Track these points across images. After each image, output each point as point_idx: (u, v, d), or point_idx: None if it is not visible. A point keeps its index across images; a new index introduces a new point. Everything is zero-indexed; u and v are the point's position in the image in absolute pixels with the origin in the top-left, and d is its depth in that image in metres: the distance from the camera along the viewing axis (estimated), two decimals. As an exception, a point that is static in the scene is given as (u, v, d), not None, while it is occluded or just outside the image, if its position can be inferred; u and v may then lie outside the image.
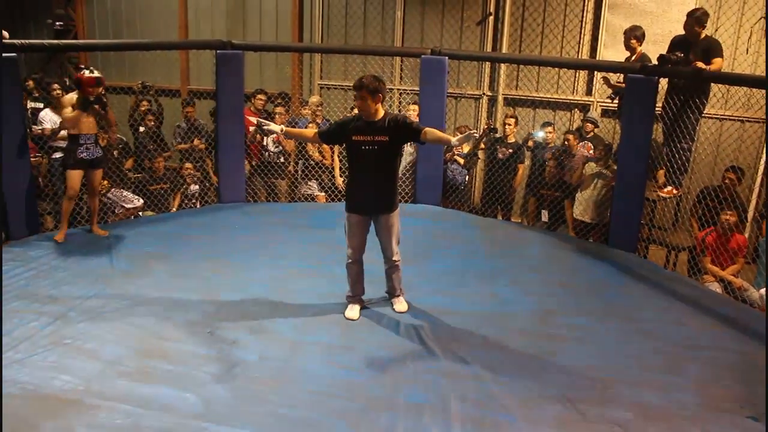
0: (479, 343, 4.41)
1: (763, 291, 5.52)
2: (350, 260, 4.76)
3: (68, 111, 5.72)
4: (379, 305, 4.92)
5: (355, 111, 6.27)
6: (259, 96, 7.84)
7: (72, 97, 5.74)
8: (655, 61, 5.98)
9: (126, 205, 6.96)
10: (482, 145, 7.62)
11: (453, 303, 5.00)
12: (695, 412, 3.73)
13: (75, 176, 5.81)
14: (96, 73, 5.72)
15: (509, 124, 7.43)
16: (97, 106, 5.78)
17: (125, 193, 7.03)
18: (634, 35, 6.41)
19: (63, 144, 6.80)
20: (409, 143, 6.09)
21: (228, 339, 4.30)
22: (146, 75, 9.41)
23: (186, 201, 7.51)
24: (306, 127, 7.42)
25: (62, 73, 9.65)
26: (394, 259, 4.79)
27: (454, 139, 4.45)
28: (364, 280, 4.85)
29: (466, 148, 7.45)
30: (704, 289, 5.63)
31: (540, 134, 7.63)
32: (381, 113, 4.43)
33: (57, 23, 9.91)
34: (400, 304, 4.92)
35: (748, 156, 7.35)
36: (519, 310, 4.94)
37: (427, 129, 4.42)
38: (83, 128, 5.75)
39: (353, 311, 4.76)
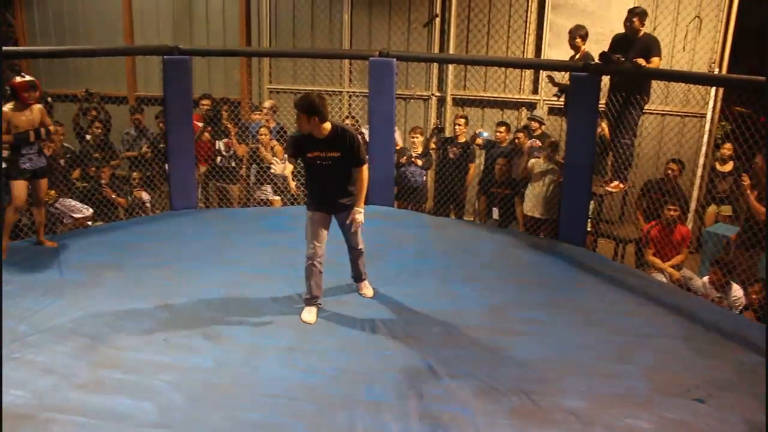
0: (435, 340, 4.47)
1: (705, 279, 5.72)
2: (310, 261, 4.74)
3: (4, 126, 5.47)
4: (334, 306, 4.94)
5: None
6: (204, 101, 7.76)
7: (7, 110, 5.51)
8: (597, 60, 6.15)
9: (75, 215, 6.82)
10: (432, 145, 7.71)
11: (408, 301, 5.06)
12: (646, 398, 3.85)
13: (20, 187, 5.62)
14: (28, 77, 5.57)
15: (459, 124, 7.53)
16: (34, 110, 5.61)
17: (74, 202, 6.89)
18: (579, 34, 6.57)
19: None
20: None
21: (182, 345, 4.27)
22: (92, 82, 9.24)
23: (137, 209, 7.40)
24: (257, 132, 7.41)
25: (2, 80, 9.40)
26: (359, 247, 4.99)
27: (357, 213, 4.66)
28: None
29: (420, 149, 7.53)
30: (651, 280, 5.81)
31: (485, 133, 7.76)
32: (328, 129, 4.45)
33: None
34: (367, 289, 5.15)
35: (688, 149, 7.60)
36: (473, 306, 5.02)
37: (363, 169, 4.61)
38: (22, 134, 5.56)
39: (310, 314, 4.75)
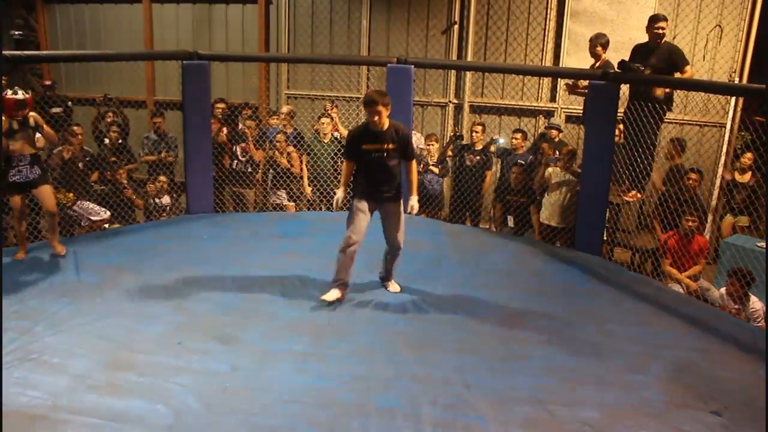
0: (449, 347, 4.46)
1: (723, 290, 5.66)
2: (345, 246, 4.95)
3: None
4: (349, 312, 4.94)
5: (323, 120, 6.45)
6: (218, 104, 7.79)
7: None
8: (617, 68, 6.12)
9: (92, 218, 6.89)
10: (449, 153, 7.70)
11: (422, 308, 5.05)
12: (661, 410, 3.82)
13: (14, 200, 5.56)
14: (20, 95, 5.29)
15: (476, 132, 7.52)
16: (28, 128, 5.44)
17: (91, 205, 6.95)
18: (599, 42, 6.54)
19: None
20: None
21: (197, 349, 4.28)
22: (112, 86, 9.35)
23: (155, 213, 7.45)
24: (275, 137, 7.44)
25: (25, 84, 9.51)
26: (399, 246, 5.17)
27: (413, 200, 5.09)
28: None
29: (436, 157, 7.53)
30: (667, 290, 5.76)
31: (501, 141, 7.74)
32: (387, 123, 4.82)
33: (16, 33, 9.79)
34: (394, 286, 5.37)
35: (707, 159, 7.54)
36: (487, 314, 5.00)
37: (413, 164, 5.07)
38: (13, 149, 5.39)
39: (331, 294, 4.97)
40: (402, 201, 5.08)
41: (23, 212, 5.71)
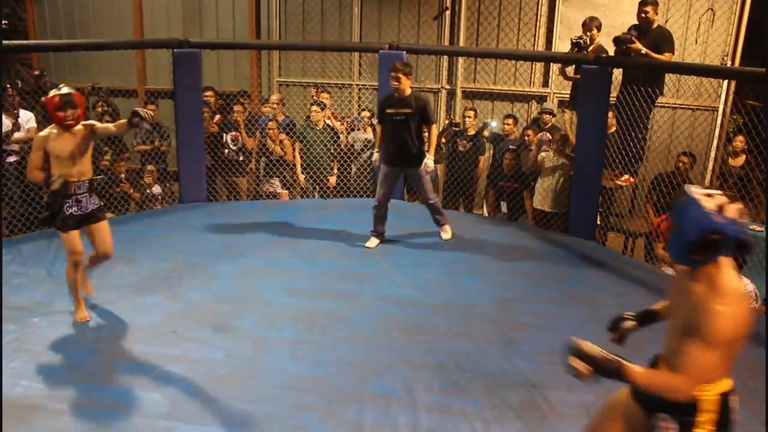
0: (443, 332, 4.48)
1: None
2: (377, 203, 5.91)
3: (36, 157, 4.25)
4: (342, 300, 4.95)
5: (314, 107, 6.55)
6: (207, 93, 7.72)
7: (44, 135, 4.24)
8: (611, 53, 6.11)
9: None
10: (443, 139, 7.68)
11: (416, 294, 5.07)
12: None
13: (71, 237, 4.34)
14: (64, 89, 4.21)
15: (468, 117, 7.51)
16: (81, 130, 4.31)
17: (84, 195, 6.89)
18: (594, 25, 6.53)
19: (17, 147, 6.67)
20: (366, 134, 7.54)
21: (192, 337, 4.29)
22: (102, 76, 9.28)
23: (147, 202, 7.43)
24: (266, 125, 7.42)
25: (15, 74, 9.43)
26: (430, 201, 5.99)
27: (428, 159, 5.79)
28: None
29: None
30: (660, 274, 5.78)
31: (494, 123, 7.74)
32: (409, 91, 5.66)
33: (3, 22, 9.68)
34: (445, 233, 6.17)
35: (699, 143, 7.55)
36: (481, 299, 5.02)
37: (433, 128, 5.85)
38: (69, 174, 4.25)
39: (372, 242, 5.98)
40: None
41: (80, 254, 4.43)
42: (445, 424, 3.51)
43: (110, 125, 4.59)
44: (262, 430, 3.43)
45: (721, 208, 2.07)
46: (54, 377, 3.83)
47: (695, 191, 2.14)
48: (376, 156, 5.93)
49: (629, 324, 2.70)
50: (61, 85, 4.30)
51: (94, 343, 4.23)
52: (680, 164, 6.31)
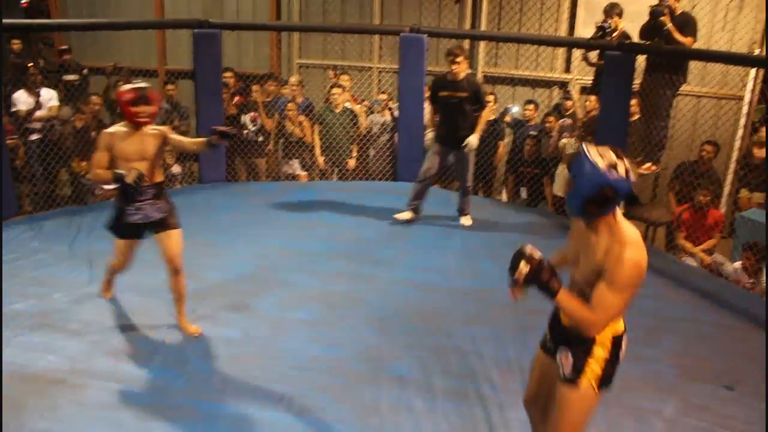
0: (461, 317, 4.48)
1: (737, 264, 5.62)
2: (421, 178, 6.03)
3: (101, 157, 3.84)
4: (360, 282, 4.95)
5: (335, 90, 6.52)
6: (226, 74, 7.71)
7: (110, 132, 3.85)
8: (635, 39, 6.04)
9: (105, 186, 6.88)
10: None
11: (434, 279, 5.06)
12: (672, 383, 3.83)
13: (123, 247, 4.09)
14: (139, 83, 3.86)
15: (488, 102, 7.44)
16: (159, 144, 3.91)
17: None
18: (615, 12, 6.45)
19: (39, 125, 6.71)
20: (384, 117, 7.58)
21: (210, 316, 4.32)
22: (122, 55, 9.30)
23: (167, 182, 7.44)
24: (285, 107, 7.40)
25: (37, 53, 9.50)
26: (467, 185, 6.07)
27: (472, 137, 5.83)
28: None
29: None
30: (681, 264, 5.73)
31: (515, 109, 7.68)
32: (463, 75, 5.75)
33: (24, 1, 9.70)
34: (466, 220, 6.19)
35: (724, 132, 7.43)
36: (499, 284, 4.94)
37: (483, 111, 5.92)
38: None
39: (404, 215, 6.13)
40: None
41: (126, 264, 4.24)
42: (462, 408, 3.52)
43: (185, 139, 4.16)
44: (277, 409, 3.45)
45: (612, 166, 2.27)
46: (75, 352, 3.88)
47: (589, 150, 2.33)
48: (430, 136, 6.17)
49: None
50: (135, 80, 3.96)
51: (115, 319, 4.28)
52: (704, 153, 6.23)
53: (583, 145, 2.39)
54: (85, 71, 8.39)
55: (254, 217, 6.20)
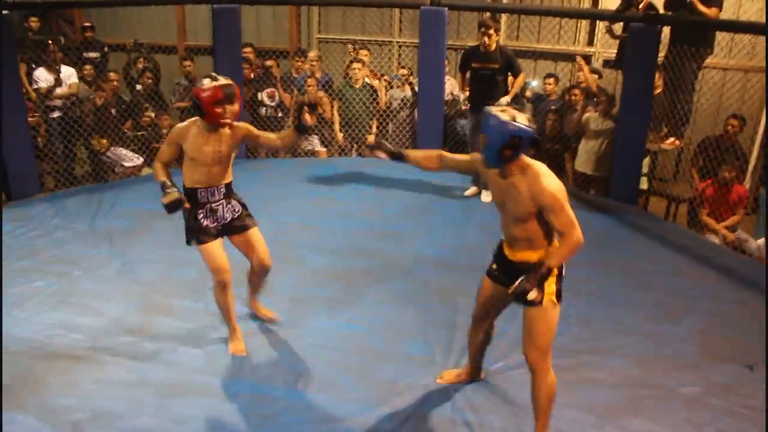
0: (480, 295, 4.45)
1: (761, 241, 5.53)
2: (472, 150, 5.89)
3: (168, 151, 3.60)
4: (377, 260, 4.94)
5: (355, 65, 6.45)
6: (246, 49, 7.66)
7: (183, 127, 3.53)
8: (661, 10, 5.89)
9: (126, 164, 6.94)
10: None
11: (453, 256, 5.04)
12: (694, 362, 3.80)
13: (211, 251, 3.62)
14: (223, 79, 3.41)
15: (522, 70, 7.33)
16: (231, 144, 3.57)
17: (125, 151, 6.99)
18: None
19: (59, 103, 6.73)
20: (404, 92, 7.49)
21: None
22: (142, 31, 9.28)
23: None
24: (305, 82, 7.36)
25: (57, 31, 9.50)
26: None
27: (504, 98, 5.82)
28: None
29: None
30: (703, 241, 5.65)
31: (534, 83, 7.57)
32: (494, 46, 5.83)
33: None
34: (486, 197, 6.12)
35: (751, 106, 7.26)
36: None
37: (518, 78, 5.96)
38: (202, 179, 3.58)
39: (470, 190, 6.31)
40: None
41: (227, 272, 3.68)
42: (482, 385, 3.52)
43: (273, 136, 3.77)
44: (296, 387, 3.48)
45: (514, 118, 2.71)
46: (96, 329, 3.93)
47: (493, 110, 2.78)
48: (463, 98, 6.37)
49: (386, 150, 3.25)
50: (213, 74, 3.46)
51: (135, 297, 4.31)
52: (729, 127, 6.10)
53: (487, 108, 2.83)
54: (105, 49, 8.39)
55: (273, 194, 6.19)
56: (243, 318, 4.05)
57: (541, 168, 2.80)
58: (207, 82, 3.36)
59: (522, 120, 2.73)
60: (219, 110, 3.36)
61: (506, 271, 3.02)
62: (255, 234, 3.78)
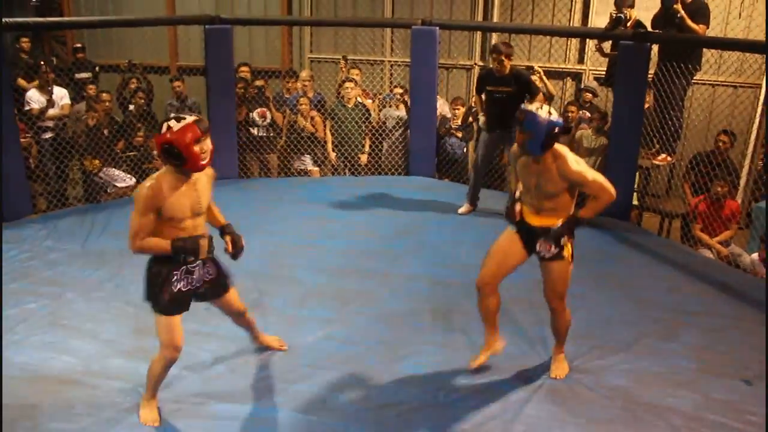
0: (475, 313, 4.40)
1: (755, 255, 5.55)
2: (474, 166, 6.28)
3: (146, 222, 3.01)
4: (374, 279, 4.93)
5: (347, 84, 6.45)
6: (243, 68, 7.69)
7: (153, 188, 2.97)
8: (649, 28, 5.95)
9: (118, 184, 6.92)
10: (471, 118, 7.55)
11: (447, 274, 5.02)
12: (691, 377, 3.77)
13: (173, 325, 3.16)
14: (191, 117, 3.00)
15: (539, 89, 7.36)
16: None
17: (117, 172, 6.97)
18: (626, 4, 6.36)
19: (51, 124, 6.72)
20: (399, 111, 7.47)
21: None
22: (134, 52, 9.30)
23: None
24: (297, 102, 7.36)
25: (50, 52, 9.52)
26: None
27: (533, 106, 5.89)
28: None
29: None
30: (697, 256, 5.66)
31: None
32: (508, 69, 5.83)
33: (33, 0, 9.67)
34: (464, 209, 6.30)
35: (741, 122, 7.33)
36: (513, 279, 4.89)
37: (537, 97, 5.83)
38: (184, 228, 3.09)
39: (464, 207, 6.29)
40: None
41: (178, 348, 3.22)
42: (478, 404, 3.49)
43: (214, 208, 3.54)
44: (291, 408, 3.44)
45: (549, 113, 3.27)
46: (89, 352, 3.88)
47: (529, 108, 3.30)
48: (482, 119, 6.25)
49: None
50: (174, 116, 3.00)
51: (128, 318, 4.27)
52: (720, 143, 6.14)
53: (525, 107, 3.33)
54: (96, 69, 8.40)
55: (266, 214, 6.18)
56: (240, 340, 4.01)
57: (566, 152, 3.35)
58: (175, 123, 2.92)
59: (555, 115, 3.29)
60: (198, 150, 2.95)
61: (527, 235, 3.53)
62: (235, 294, 3.51)
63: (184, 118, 2.96)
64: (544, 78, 7.08)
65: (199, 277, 3.22)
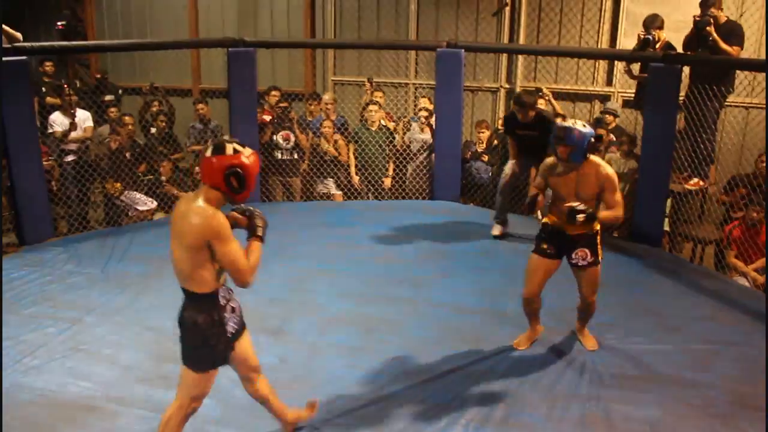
0: (502, 341, 4.32)
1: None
2: (501, 189, 6.24)
3: (230, 236, 2.82)
4: (401, 306, 4.82)
5: (371, 107, 6.41)
6: (273, 93, 7.70)
7: (220, 216, 2.75)
8: (680, 49, 5.84)
9: (140, 208, 6.89)
10: (495, 141, 7.46)
11: (473, 301, 4.91)
12: (725, 410, 3.63)
13: (210, 378, 3.02)
14: (243, 149, 2.77)
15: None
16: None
17: (138, 195, 6.96)
18: (656, 26, 6.27)
19: (74, 147, 6.73)
20: (425, 134, 7.39)
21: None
22: (157, 75, 9.35)
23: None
24: (321, 125, 7.32)
25: (73, 75, 9.60)
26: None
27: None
28: None
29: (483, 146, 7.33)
30: (732, 284, 5.47)
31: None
32: (532, 115, 5.89)
33: (59, 23, 9.80)
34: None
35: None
36: (543, 307, 4.82)
37: None
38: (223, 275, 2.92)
39: (496, 230, 6.26)
40: None
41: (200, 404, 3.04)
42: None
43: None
44: (315, 440, 3.33)
45: (584, 125, 3.73)
46: (108, 378, 3.82)
47: (565, 123, 3.76)
48: (510, 163, 6.25)
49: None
50: (226, 138, 2.89)
51: (148, 344, 4.20)
52: (762, 165, 5.98)
53: (561, 122, 3.80)
54: (119, 92, 8.45)
55: (289, 238, 6.09)
56: (262, 367, 3.92)
57: (599, 159, 3.87)
58: (242, 149, 2.74)
59: (588, 126, 3.76)
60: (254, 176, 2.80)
61: (560, 245, 3.97)
62: (248, 337, 3.08)
63: (243, 145, 2.78)
64: (552, 100, 7.16)
65: (239, 310, 2.96)
